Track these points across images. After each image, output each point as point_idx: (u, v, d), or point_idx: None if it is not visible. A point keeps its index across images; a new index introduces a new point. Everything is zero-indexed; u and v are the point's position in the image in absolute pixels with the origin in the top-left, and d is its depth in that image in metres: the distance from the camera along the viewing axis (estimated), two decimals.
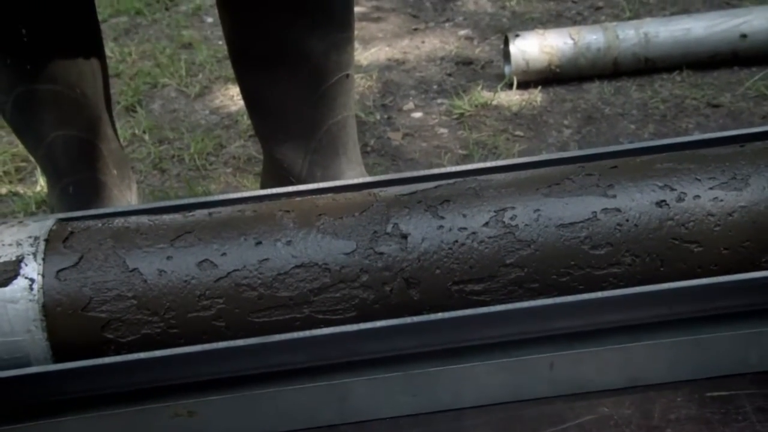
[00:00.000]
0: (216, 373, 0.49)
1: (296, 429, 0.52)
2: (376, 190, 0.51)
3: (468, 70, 1.64)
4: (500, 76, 1.57)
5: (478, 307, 0.48)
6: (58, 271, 0.46)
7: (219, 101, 1.58)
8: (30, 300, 0.46)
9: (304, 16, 0.91)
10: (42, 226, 0.49)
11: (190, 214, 0.50)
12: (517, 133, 1.41)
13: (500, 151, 1.35)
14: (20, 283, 0.46)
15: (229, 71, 1.65)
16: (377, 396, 0.51)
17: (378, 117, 1.50)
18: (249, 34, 0.94)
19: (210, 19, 1.94)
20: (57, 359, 0.47)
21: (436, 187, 0.50)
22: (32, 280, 0.46)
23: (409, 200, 0.49)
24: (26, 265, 0.46)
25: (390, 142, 1.43)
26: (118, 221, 0.50)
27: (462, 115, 1.47)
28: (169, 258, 0.47)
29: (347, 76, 1.00)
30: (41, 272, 0.46)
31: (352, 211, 0.49)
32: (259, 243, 0.47)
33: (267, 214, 0.49)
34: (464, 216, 0.48)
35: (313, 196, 0.51)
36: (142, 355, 0.45)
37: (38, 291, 0.46)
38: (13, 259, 0.47)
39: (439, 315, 0.47)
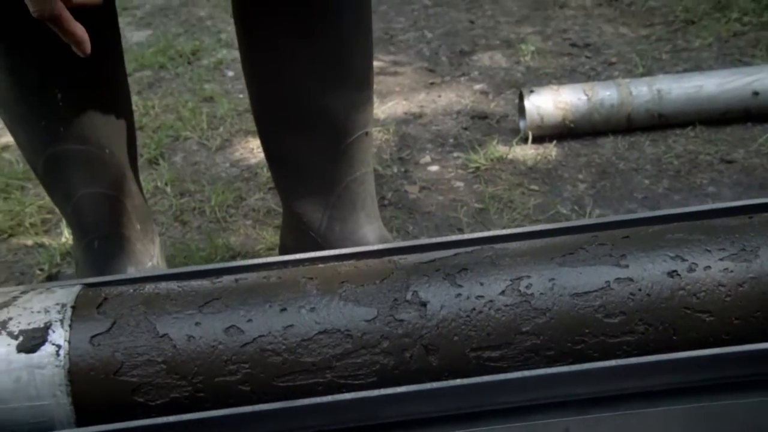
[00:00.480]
0: None
1: None
2: (396, 258, 0.53)
3: (483, 124, 1.67)
4: (515, 131, 1.60)
5: (495, 373, 0.49)
6: (92, 337, 0.48)
7: (239, 154, 1.62)
8: (56, 366, 0.48)
9: (325, 76, 0.94)
10: (69, 293, 0.51)
11: (218, 280, 0.52)
12: (533, 187, 1.43)
13: (515, 205, 1.37)
14: (47, 349, 0.48)
15: (249, 124, 1.70)
16: None
17: (395, 170, 1.53)
18: (271, 92, 0.98)
19: (231, 73, 2.00)
20: (80, 423, 0.49)
21: (454, 255, 0.52)
22: (59, 346, 0.48)
23: (428, 268, 0.51)
24: (54, 331, 0.49)
25: (407, 195, 1.45)
26: (149, 287, 0.52)
27: (478, 168, 1.50)
28: (197, 324, 0.49)
29: (366, 133, 1.03)
30: (68, 339, 0.48)
31: (373, 278, 0.50)
32: (284, 309, 0.49)
33: (291, 281, 0.51)
34: (481, 284, 0.50)
35: (336, 263, 0.53)
36: (171, 418, 0.47)
37: (64, 357, 0.48)
38: (41, 326, 0.49)
39: (457, 381, 0.48)
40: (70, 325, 0.49)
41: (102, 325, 0.49)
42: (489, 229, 1.33)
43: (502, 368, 0.49)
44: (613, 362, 0.48)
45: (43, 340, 0.48)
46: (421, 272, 0.51)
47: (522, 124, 1.55)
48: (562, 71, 1.81)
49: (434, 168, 1.53)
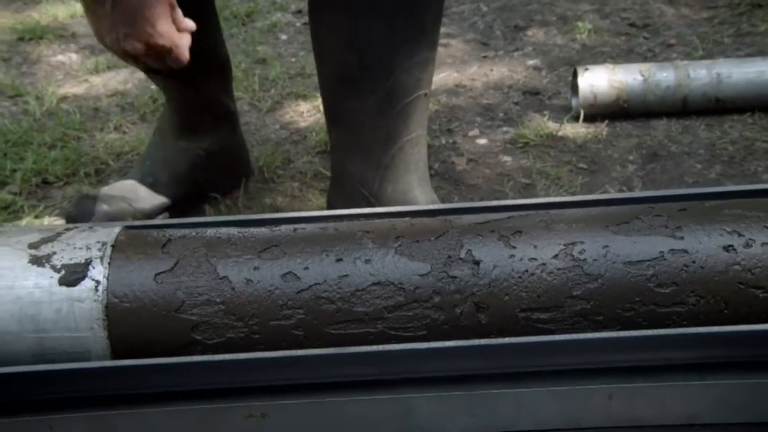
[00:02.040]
0: (290, 379, 0.52)
1: None
2: (451, 217, 0.54)
3: (534, 100, 1.66)
4: (567, 108, 1.59)
5: (542, 334, 0.50)
6: (156, 274, 0.50)
7: (289, 117, 1.63)
8: (95, 300, 0.50)
9: (396, 33, 0.95)
10: (110, 232, 0.53)
11: (277, 228, 0.54)
12: (581, 165, 1.42)
13: (563, 183, 1.36)
14: (87, 284, 0.50)
15: (300, 88, 1.71)
16: (440, 413, 0.54)
17: (443, 141, 1.53)
18: (338, 46, 0.99)
19: (284, 37, 2.01)
20: (115, 356, 0.51)
21: (508, 218, 0.52)
22: (98, 282, 0.50)
23: (483, 229, 0.52)
24: (93, 267, 0.51)
25: (454, 166, 1.46)
26: (211, 231, 0.54)
27: (526, 144, 1.49)
28: (256, 268, 0.50)
29: (425, 94, 1.04)
30: (106, 275, 0.50)
31: (428, 235, 0.51)
32: (339, 260, 0.50)
33: (348, 233, 0.52)
34: (535, 247, 0.50)
35: (391, 219, 0.54)
36: (227, 356, 0.49)
37: (102, 292, 0.50)
38: (82, 261, 0.51)
39: (506, 339, 0.49)
40: (109, 263, 0.51)
41: (165, 263, 0.51)
42: None
43: (550, 330, 0.50)
44: (661, 331, 0.49)
45: (83, 275, 0.50)
46: (476, 232, 0.51)
47: (574, 101, 1.53)
48: (619, 51, 1.79)
49: (482, 141, 1.53)
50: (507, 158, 1.47)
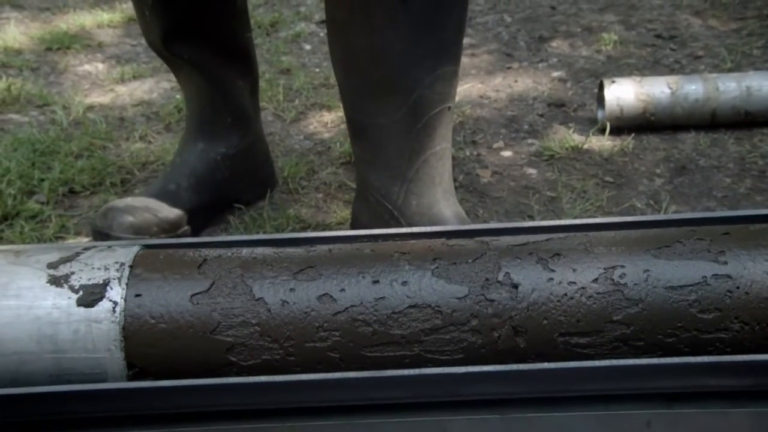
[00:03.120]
0: (325, 401, 0.51)
1: None
2: (488, 239, 0.53)
3: (560, 112, 1.65)
4: (592, 121, 1.58)
5: (582, 360, 0.49)
6: (192, 295, 0.50)
7: (313, 127, 1.64)
8: (112, 321, 0.50)
9: (418, 47, 0.95)
10: (128, 252, 0.53)
11: (312, 248, 0.53)
12: (607, 179, 1.41)
13: (589, 196, 1.35)
14: (105, 305, 0.50)
15: (324, 98, 1.71)
16: None
17: (468, 153, 1.52)
18: (361, 60, 0.98)
19: (308, 47, 2.02)
20: (132, 378, 0.51)
21: (547, 240, 0.52)
22: (115, 303, 0.50)
23: (521, 251, 0.51)
24: (111, 288, 0.51)
25: (479, 179, 1.45)
26: (246, 251, 0.53)
27: (552, 156, 1.48)
28: (292, 290, 0.50)
29: (449, 108, 1.03)
30: (124, 296, 0.50)
31: (465, 257, 0.51)
32: (376, 281, 0.50)
33: (384, 254, 0.52)
34: (574, 270, 0.49)
35: (428, 240, 0.54)
36: (262, 378, 0.48)
37: (120, 313, 0.50)
38: (100, 282, 0.51)
39: (544, 364, 0.48)
40: (127, 284, 0.50)
41: (201, 284, 0.51)
42: (560, 218, 1.32)
43: (589, 355, 0.49)
44: (704, 358, 0.48)
45: (101, 296, 0.50)
46: (514, 254, 0.51)
47: (600, 114, 1.52)
48: (645, 63, 1.77)
49: (507, 153, 1.52)
50: (532, 171, 1.46)
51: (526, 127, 1.60)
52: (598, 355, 0.49)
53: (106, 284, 0.51)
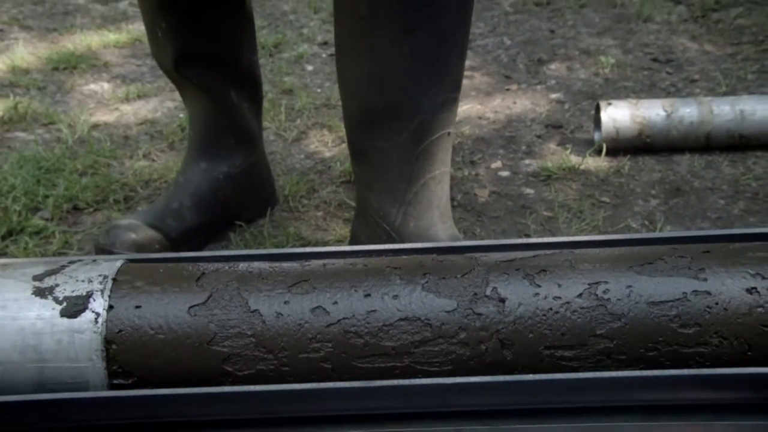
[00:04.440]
0: (318, 411, 0.53)
1: None
2: (477, 255, 0.55)
3: (557, 134, 1.67)
4: (589, 142, 1.60)
5: (566, 372, 0.51)
6: (190, 307, 0.52)
7: (314, 146, 1.66)
8: (94, 332, 0.51)
9: (420, 75, 0.97)
10: (112, 266, 0.55)
11: (307, 263, 0.55)
12: (603, 199, 1.43)
13: (585, 216, 1.37)
14: (87, 316, 0.52)
15: (326, 118, 1.74)
16: None
17: (466, 173, 1.54)
18: (363, 87, 1.01)
19: (310, 68, 2.05)
20: (113, 387, 0.53)
21: (534, 256, 0.54)
22: (98, 314, 0.52)
23: (508, 267, 0.53)
24: (94, 300, 0.52)
25: (476, 198, 1.47)
26: (243, 265, 0.55)
27: (549, 177, 1.50)
28: (286, 302, 0.52)
29: (449, 133, 1.06)
30: (106, 307, 0.52)
31: (454, 272, 0.53)
32: (368, 295, 0.52)
33: (376, 269, 0.54)
34: (559, 286, 0.51)
35: (419, 256, 0.56)
36: (257, 387, 0.50)
37: (102, 324, 0.52)
38: (84, 294, 0.52)
39: (530, 376, 0.50)
40: (109, 296, 0.52)
41: (199, 297, 0.52)
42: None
43: (573, 368, 0.51)
44: (684, 371, 0.49)
45: (84, 307, 0.52)
46: (501, 270, 0.53)
47: (597, 136, 1.54)
48: (641, 86, 1.80)
49: (505, 173, 1.54)
50: (529, 191, 1.48)
51: (523, 147, 1.62)
52: (582, 367, 0.51)
53: (89, 296, 0.52)
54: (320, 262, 0.55)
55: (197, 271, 0.54)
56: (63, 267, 0.55)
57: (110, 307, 0.52)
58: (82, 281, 0.53)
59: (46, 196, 1.41)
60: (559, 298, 0.51)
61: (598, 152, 1.52)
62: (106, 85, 1.94)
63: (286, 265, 0.55)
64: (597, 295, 0.51)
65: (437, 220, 1.08)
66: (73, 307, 0.52)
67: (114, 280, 0.53)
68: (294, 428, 0.53)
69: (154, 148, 1.62)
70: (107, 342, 0.51)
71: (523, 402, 0.53)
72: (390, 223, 1.07)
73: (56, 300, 0.52)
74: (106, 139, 1.64)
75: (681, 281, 0.51)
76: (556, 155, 1.56)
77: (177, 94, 1.88)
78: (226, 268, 0.55)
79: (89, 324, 0.51)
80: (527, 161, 1.56)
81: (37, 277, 0.53)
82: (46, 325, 0.51)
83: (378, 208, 1.09)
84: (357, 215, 1.18)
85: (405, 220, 1.08)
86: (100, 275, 0.54)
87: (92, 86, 1.93)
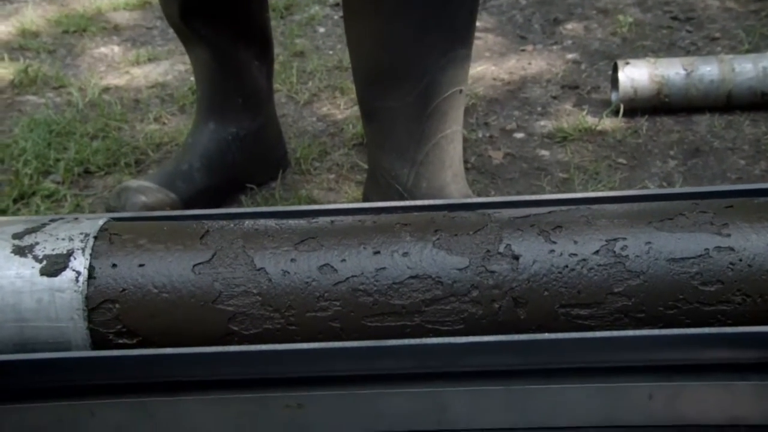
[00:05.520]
0: (327, 370, 0.52)
1: (396, 431, 0.54)
2: (489, 211, 0.53)
3: (573, 94, 1.63)
4: (606, 103, 1.57)
5: (582, 331, 0.49)
6: (194, 265, 0.50)
7: (326, 109, 1.64)
8: (75, 291, 0.50)
9: (429, 33, 0.94)
10: (94, 224, 0.54)
11: (314, 220, 0.54)
12: (620, 160, 1.40)
13: (601, 178, 1.34)
14: (68, 274, 0.50)
15: (338, 80, 1.71)
16: (476, 408, 0.53)
17: (480, 135, 1.52)
18: (371, 47, 0.99)
19: (322, 30, 2.01)
20: (95, 347, 0.51)
21: (549, 212, 0.52)
22: (78, 273, 0.50)
23: (523, 223, 0.51)
24: (75, 258, 0.51)
25: (491, 160, 1.44)
26: (248, 223, 0.54)
27: (564, 138, 1.47)
28: (293, 260, 0.50)
29: (460, 91, 1.03)
30: (87, 266, 0.51)
31: (466, 229, 0.51)
32: (377, 252, 0.50)
33: (386, 226, 0.52)
34: (575, 242, 0.49)
35: (430, 213, 0.54)
36: (264, 347, 0.49)
37: (83, 283, 0.50)
38: (64, 252, 0.51)
39: (545, 335, 0.48)
40: (91, 254, 0.51)
41: (203, 255, 0.51)
42: None
43: (589, 327, 0.49)
44: (705, 330, 0.48)
45: (64, 266, 0.50)
46: (515, 226, 0.51)
47: (614, 96, 1.51)
48: (660, 45, 1.76)
49: (520, 135, 1.51)
50: (544, 152, 1.45)
51: (539, 108, 1.59)
52: (599, 326, 0.49)
53: (69, 254, 0.51)
54: (328, 219, 0.54)
55: (201, 229, 0.53)
56: (43, 225, 0.53)
57: (113, 265, 0.51)
58: (63, 239, 0.52)
59: (57, 160, 1.40)
60: (576, 255, 0.49)
61: (615, 113, 1.49)
62: (116, 48, 1.92)
63: (292, 222, 0.54)
64: (615, 251, 0.49)
65: (450, 180, 1.07)
66: (54, 266, 0.50)
67: (95, 238, 0.52)
68: (301, 389, 0.52)
69: (165, 112, 1.60)
70: (111, 301, 0.50)
71: (537, 362, 0.52)
72: (402, 183, 1.06)
73: (36, 258, 0.51)
74: (117, 103, 1.62)
75: (703, 237, 0.49)
76: (572, 116, 1.53)
77: (188, 58, 1.86)
78: (231, 225, 0.53)
79: (70, 283, 0.50)
80: (542, 123, 1.53)
81: (17, 236, 0.52)
82: (25, 284, 0.50)
83: (389, 169, 1.07)
84: (369, 177, 1.16)
85: (417, 180, 1.06)
86: (81, 233, 0.52)
87: (102, 49, 1.91)
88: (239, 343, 0.51)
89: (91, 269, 0.50)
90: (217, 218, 0.57)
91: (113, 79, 1.76)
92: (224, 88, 1.24)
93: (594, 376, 0.52)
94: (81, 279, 0.50)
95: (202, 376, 0.52)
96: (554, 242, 0.50)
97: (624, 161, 1.39)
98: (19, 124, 1.52)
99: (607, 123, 1.49)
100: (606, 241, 0.49)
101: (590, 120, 1.50)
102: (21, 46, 1.91)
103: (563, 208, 0.52)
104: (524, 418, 0.53)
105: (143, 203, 1.16)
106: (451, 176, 1.07)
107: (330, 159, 1.46)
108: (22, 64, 1.78)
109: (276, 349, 0.49)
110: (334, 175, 1.41)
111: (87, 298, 0.50)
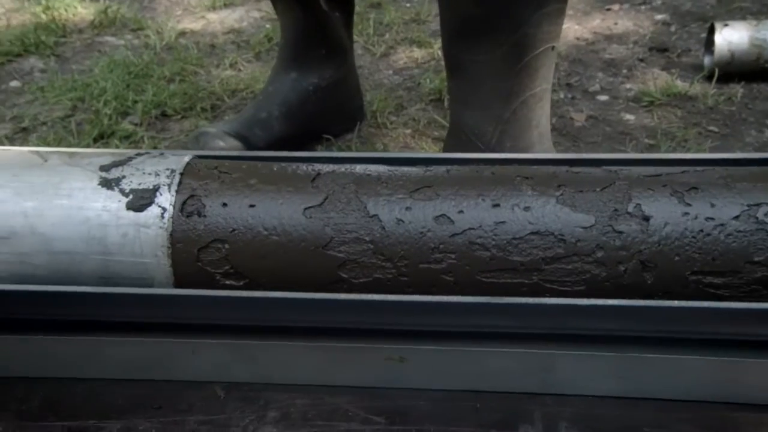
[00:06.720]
0: (434, 325, 0.50)
1: (498, 391, 0.52)
2: (616, 168, 0.50)
3: (662, 57, 1.56)
4: (697, 67, 1.49)
5: (713, 300, 0.46)
6: (305, 209, 0.49)
7: (403, 62, 1.60)
8: (160, 227, 0.49)
9: None
10: (179, 160, 0.52)
11: (428, 169, 0.51)
12: (711, 128, 1.34)
13: (690, 146, 1.29)
14: (154, 210, 0.49)
15: (415, 34, 1.67)
16: (583, 373, 0.51)
17: (562, 96, 1.47)
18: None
19: None
20: (178, 285, 0.50)
21: (682, 172, 0.48)
22: (164, 209, 0.49)
23: (654, 182, 0.48)
24: (161, 194, 0.50)
25: (572, 123, 1.40)
26: (360, 168, 0.52)
27: (651, 103, 1.41)
28: (408, 209, 0.48)
29: (553, 48, 0.98)
30: (173, 203, 0.49)
31: (593, 186, 0.48)
32: (496, 205, 0.48)
33: (505, 178, 0.49)
34: (713, 206, 0.46)
35: (551, 167, 0.51)
36: (375, 297, 0.47)
37: (168, 220, 0.49)
38: (150, 187, 0.50)
39: (673, 303, 0.46)
40: (177, 190, 0.49)
41: (315, 198, 0.49)
42: None
43: (722, 297, 0.46)
44: None
45: (150, 201, 0.49)
46: (646, 185, 0.48)
47: (707, 60, 1.44)
48: (760, 6, 1.66)
49: (603, 98, 1.46)
50: (629, 116, 1.39)
51: (624, 71, 1.52)
52: (733, 297, 0.46)
53: (156, 189, 0.50)
54: (443, 167, 0.51)
55: (312, 171, 0.51)
56: (130, 159, 0.52)
57: (224, 204, 0.49)
58: (149, 174, 0.51)
59: (135, 101, 1.40)
60: (712, 219, 0.46)
61: (708, 78, 1.42)
62: None
63: (406, 169, 0.51)
64: (757, 217, 0.45)
65: (536, 141, 1.03)
66: (140, 201, 0.49)
67: (182, 174, 0.51)
68: (407, 341, 0.51)
69: (241, 58, 1.59)
70: (220, 241, 0.49)
71: (656, 330, 0.49)
72: (485, 142, 1.02)
73: (122, 192, 0.50)
74: (193, 47, 1.61)
75: None
76: (659, 80, 1.47)
77: (263, 4, 1.83)
78: (343, 169, 0.51)
79: (155, 219, 0.49)
80: (628, 85, 1.47)
81: (104, 168, 0.51)
82: (111, 217, 0.49)
83: (473, 126, 1.03)
84: (450, 133, 1.13)
85: (501, 139, 1.02)
86: (167, 169, 0.51)
87: None
88: (348, 290, 0.49)
89: (201, 207, 0.49)
90: (262, 159, 0.55)
91: (189, 23, 1.75)
92: (307, 38, 1.22)
93: (716, 348, 0.49)
94: (166, 215, 0.49)
95: (307, 323, 0.51)
96: (689, 204, 0.46)
97: (715, 129, 1.32)
98: (99, 65, 1.53)
99: (698, 88, 1.43)
100: (747, 205, 0.46)
101: (680, 84, 1.43)
102: None
103: (698, 168, 0.49)
104: (635, 387, 0.51)
105: (220, 148, 1.15)
106: (537, 136, 1.03)
107: (406, 113, 1.43)
108: (101, 4, 1.79)
109: (386, 299, 0.47)
110: (410, 130, 1.38)
111: (171, 236, 0.49)
